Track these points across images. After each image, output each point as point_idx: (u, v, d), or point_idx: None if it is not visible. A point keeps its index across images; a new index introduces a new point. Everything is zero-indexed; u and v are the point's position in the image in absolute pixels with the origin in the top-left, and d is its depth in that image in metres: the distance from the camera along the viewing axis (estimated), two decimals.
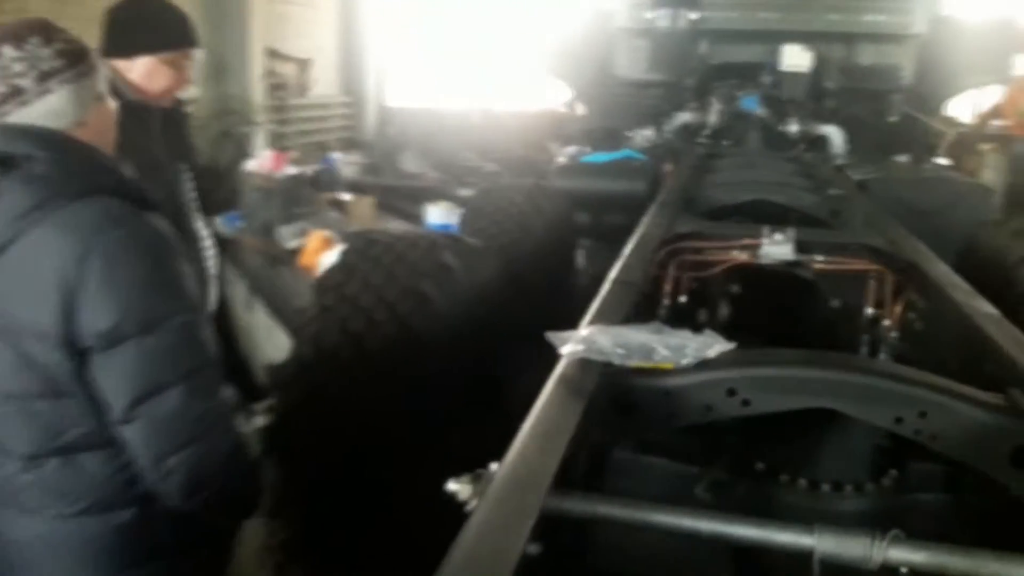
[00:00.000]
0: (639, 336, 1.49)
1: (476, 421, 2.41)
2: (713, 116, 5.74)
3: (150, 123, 2.51)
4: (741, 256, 2.57)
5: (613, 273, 2.11)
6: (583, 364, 1.43)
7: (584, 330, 1.51)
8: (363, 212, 9.56)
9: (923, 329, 2.34)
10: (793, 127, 5.63)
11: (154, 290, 1.40)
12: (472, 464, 1.14)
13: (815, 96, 5.69)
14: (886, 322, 2.45)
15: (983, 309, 1.97)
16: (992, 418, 1.38)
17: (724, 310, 2.73)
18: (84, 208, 1.36)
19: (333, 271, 2.35)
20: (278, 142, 12.14)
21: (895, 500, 1.75)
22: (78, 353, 1.36)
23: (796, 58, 5.60)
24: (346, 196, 9.79)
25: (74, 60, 1.46)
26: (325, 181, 10.56)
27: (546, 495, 1.07)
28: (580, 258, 4.14)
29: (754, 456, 1.86)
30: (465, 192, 9.93)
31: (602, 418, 1.44)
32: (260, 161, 10.01)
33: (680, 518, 1.15)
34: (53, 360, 1.36)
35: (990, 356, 1.77)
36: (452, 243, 2.42)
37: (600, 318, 1.74)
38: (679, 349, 1.45)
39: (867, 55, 5.63)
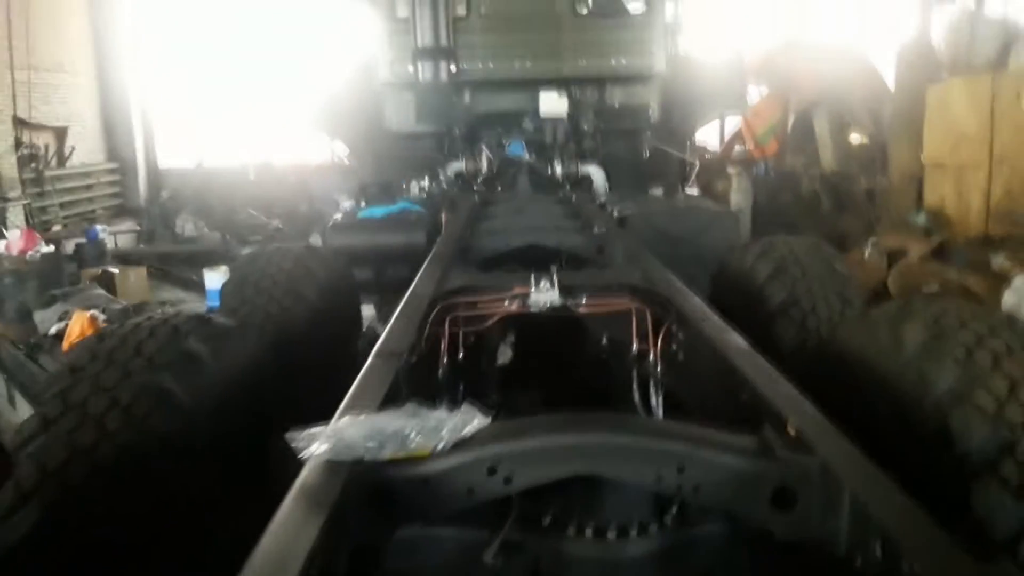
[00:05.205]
0: (392, 422, 1.38)
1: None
2: (484, 163, 5.90)
3: None
4: (512, 306, 2.57)
5: (377, 345, 1.98)
6: (330, 465, 1.30)
7: (331, 424, 1.38)
8: (133, 285, 8.78)
9: (684, 361, 2.42)
10: (559, 169, 5.92)
11: None
12: None
13: (575, 138, 6.02)
14: (651, 357, 2.52)
15: (734, 343, 2.04)
16: (748, 463, 1.39)
17: (503, 362, 2.71)
18: None
19: (58, 375, 2.03)
20: (39, 217, 11.15)
21: (678, 537, 1.73)
22: None
23: (553, 104, 5.96)
24: (115, 269, 9.03)
25: None
26: (90, 255, 9.64)
27: None
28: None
29: (541, 510, 1.80)
30: (248, 252, 9.45)
31: (359, 518, 1.31)
32: (8, 242, 8.96)
33: None
34: None
35: (743, 390, 1.83)
36: (197, 326, 2.19)
37: (356, 401, 1.61)
38: (434, 432, 1.36)
39: (617, 97, 6.06)
